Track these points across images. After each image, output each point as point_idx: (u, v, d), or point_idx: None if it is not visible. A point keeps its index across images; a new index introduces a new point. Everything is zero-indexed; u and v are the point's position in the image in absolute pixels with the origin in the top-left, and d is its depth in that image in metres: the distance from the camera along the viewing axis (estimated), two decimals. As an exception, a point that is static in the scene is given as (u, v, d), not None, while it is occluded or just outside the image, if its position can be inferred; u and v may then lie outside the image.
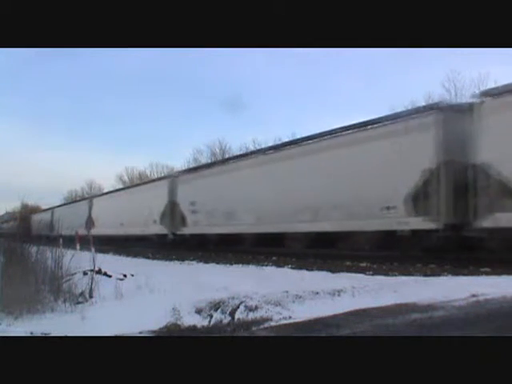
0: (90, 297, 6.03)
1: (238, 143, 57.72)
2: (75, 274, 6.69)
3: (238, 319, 4.83)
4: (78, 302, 5.73)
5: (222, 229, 16.15)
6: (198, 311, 5.22)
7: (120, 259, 14.23)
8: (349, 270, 9.06)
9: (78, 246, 9.71)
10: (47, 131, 66.84)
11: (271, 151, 15.53)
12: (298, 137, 16.21)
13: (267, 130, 60.44)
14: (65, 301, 5.65)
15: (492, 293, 5.22)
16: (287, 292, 5.82)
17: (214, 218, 16.46)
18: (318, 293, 5.78)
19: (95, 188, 49.68)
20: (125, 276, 7.81)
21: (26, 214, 38.66)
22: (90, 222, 27.51)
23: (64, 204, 39.51)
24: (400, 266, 9.07)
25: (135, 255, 16.20)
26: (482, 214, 8.57)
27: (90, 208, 28.43)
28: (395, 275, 7.82)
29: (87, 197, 34.79)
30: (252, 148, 32.08)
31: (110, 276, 7.59)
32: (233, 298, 5.60)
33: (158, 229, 20.01)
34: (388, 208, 9.85)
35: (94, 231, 24.72)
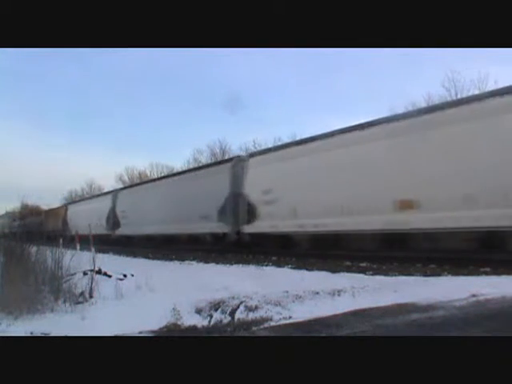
0: (90, 297, 6.03)
1: (238, 143, 57.76)
2: (75, 274, 6.68)
3: (238, 319, 4.83)
4: (78, 302, 5.72)
5: None
6: (198, 311, 5.22)
7: (120, 259, 14.23)
8: (349, 270, 9.05)
9: (77, 246, 9.69)
10: (47, 131, 66.89)
11: None
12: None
13: (267, 130, 60.39)
14: (65, 301, 5.66)
15: (492, 293, 5.22)
16: (287, 292, 5.82)
17: None
18: (318, 293, 5.78)
19: (95, 188, 49.59)
20: (125, 276, 7.81)
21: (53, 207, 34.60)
22: (234, 211, 14.15)
23: (144, 182, 26.18)
24: (400, 266, 9.06)
25: (135, 255, 16.19)
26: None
27: (239, 178, 14.14)
28: (395, 275, 7.81)
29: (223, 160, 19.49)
30: (252, 148, 31.75)
31: (110, 276, 7.59)
32: (233, 298, 5.60)
33: None
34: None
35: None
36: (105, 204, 24.21)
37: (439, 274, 7.71)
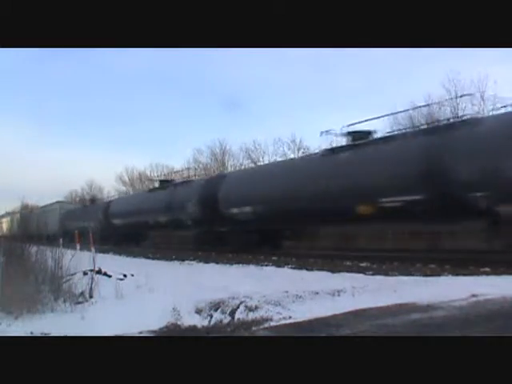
0: (90, 297, 6.02)
1: (238, 143, 57.65)
2: (75, 274, 6.68)
3: (238, 319, 4.82)
4: (78, 302, 5.72)
5: None
6: (198, 311, 5.22)
7: (120, 259, 14.23)
8: (349, 270, 9.05)
9: (78, 246, 9.68)
10: (48, 131, 66.70)
11: None
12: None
13: (267, 129, 60.33)
14: (65, 301, 5.65)
15: (492, 293, 5.22)
16: (287, 292, 5.82)
17: None
18: (317, 293, 5.78)
19: (95, 188, 49.52)
20: (125, 276, 7.81)
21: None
22: None
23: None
24: (400, 266, 9.08)
25: (135, 255, 16.19)
26: None
27: None
28: (395, 275, 7.82)
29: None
30: (252, 148, 31.51)
31: (110, 276, 7.59)
32: (233, 298, 5.60)
33: None
34: None
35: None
36: None
37: (439, 274, 7.72)
